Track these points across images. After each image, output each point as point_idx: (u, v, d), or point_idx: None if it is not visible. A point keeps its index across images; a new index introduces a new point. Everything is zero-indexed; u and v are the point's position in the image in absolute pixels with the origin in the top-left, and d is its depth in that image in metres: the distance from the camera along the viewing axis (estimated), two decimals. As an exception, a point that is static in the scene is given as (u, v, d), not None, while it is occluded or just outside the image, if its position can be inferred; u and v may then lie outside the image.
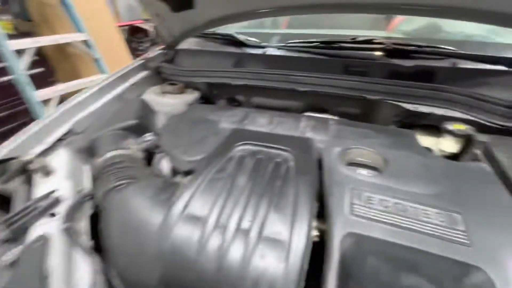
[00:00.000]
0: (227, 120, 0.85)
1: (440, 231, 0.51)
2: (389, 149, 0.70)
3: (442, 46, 1.05)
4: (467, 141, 0.78)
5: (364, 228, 0.52)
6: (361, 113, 1.01)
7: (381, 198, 0.56)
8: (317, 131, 0.79)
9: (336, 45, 1.11)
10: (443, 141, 0.80)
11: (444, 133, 0.81)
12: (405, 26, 1.46)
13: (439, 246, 0.49)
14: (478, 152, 0.74)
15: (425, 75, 0.93)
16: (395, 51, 1.06)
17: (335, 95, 0.94)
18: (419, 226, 0.52)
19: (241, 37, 1.25)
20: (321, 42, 1.16)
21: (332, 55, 1.09)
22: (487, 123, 0.77)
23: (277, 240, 0.49)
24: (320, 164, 0.68)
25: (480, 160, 0.71)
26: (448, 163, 0.68)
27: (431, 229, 0.51)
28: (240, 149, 0.68)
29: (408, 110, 0.88)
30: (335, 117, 0.95)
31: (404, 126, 0.93)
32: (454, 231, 0.51)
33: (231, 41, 1.29)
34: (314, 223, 0.59)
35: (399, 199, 0.56)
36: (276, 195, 0.55)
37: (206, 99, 1.24)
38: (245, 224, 0.52)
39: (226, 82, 1.08)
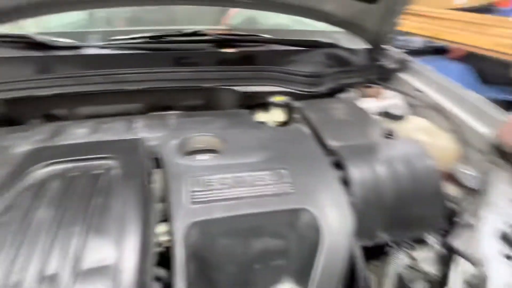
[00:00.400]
0: (27, 142, 0.63)
1: (273, 189, 0.56)
2: (226, 130, 0.73)
3: (260, 34, 1.21)
4: (289, 109, 0.92)
5: (206, 212, 0.50)
6: (205, 103, 1.01)
7: (220, 177, 0.56)
8: (153, 129, 0.72)
9: (165, 39, 1.07)
10: (272, 113, 0.91)
11: (271, 106, 0.93)
12: (234, 20, 1.60)
13: (274, 202, 0.54)
14: (298, 116, 0.89)
15: (249, 59, 1.03)
16: (223, 41, 1.12)
17: (172, 89, 0.89)
18: (256, 191, 0.55)
19: (42, 38, 0.99)
20: (150, 37, 1.09)
21: (162, 49, 1.03)
22: (299, 92, 0.94)
23: (102, 267, 0.39)
24: (158, 162, 0.62)
25: (299, 122, 0.86)
26: (275, 130, 0.77)
27: (266, 190, 0.56)
28: (43, 172, 0.52)
29: (243, 92, 0.95)
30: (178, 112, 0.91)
31: (248, 108, 1.01)
32: (283, 185, 0.57)
33: (31, 43, 1.00)
34: (164, 228, 0.53)
35: (237, 173, 0.58)
36: (96, 215, 0.44)
37: (11, 121, 0.92)
38: (51, 268, 0.38)
39: (29, 94, 0.83)
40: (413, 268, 0.68)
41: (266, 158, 0.63)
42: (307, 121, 0.82)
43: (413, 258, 0.68)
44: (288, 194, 0.55)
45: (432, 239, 0.66)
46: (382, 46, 1.24)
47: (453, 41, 2.00)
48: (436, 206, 0.62)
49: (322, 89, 0.95)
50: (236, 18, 1.57)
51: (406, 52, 2.45)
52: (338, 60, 1.13)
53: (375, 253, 0.71)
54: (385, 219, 0.59)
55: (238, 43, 1.12)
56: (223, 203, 0.51)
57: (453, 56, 2.31)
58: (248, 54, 1.04)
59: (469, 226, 0.62)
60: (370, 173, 0.59)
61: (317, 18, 1.24)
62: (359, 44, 1.26)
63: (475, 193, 0.70)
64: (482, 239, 0.55)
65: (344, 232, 0.52)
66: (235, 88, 0.94)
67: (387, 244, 0.68)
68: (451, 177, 0.73)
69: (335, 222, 0.52)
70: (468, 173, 0.72)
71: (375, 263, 0.75)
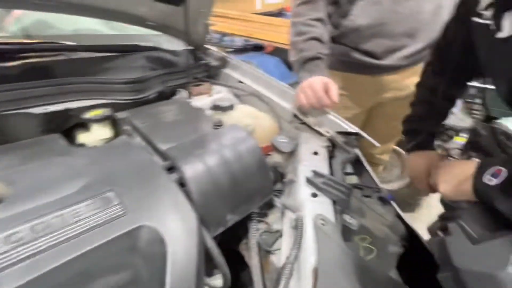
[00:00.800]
0: None
1: (97, 219, 0.47)
2: (17, 168, 0.55)
3: (57, 42, 0.99)
4: (115, 122, 0.82)
5: (-12, 291, 0.35)
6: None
7: (6, 235, 0.41)
8: None
9: None
10: (93, 131, 0.78)
11: (92, 124, 0.79)
12: (18, 24, 1.23)
13: (102, 234, 0.45)
14: (127, 127, 0.80)
15: (43, 73, 0.82)
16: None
17: None
18: (73, 230, 0.44)
19: None
20: None
21: None
22: (122, 101, 0.84)
23: None
24: None
25: (130, 133, 0.78)
26: (95, 150, 0.66)
27: (88, 223, 0.46)
28: None
29: (43, 114, 0.75)
30: None
31: (65, 131, 0.81)
32: (110, 210, 0.49)
33: None
34: None
35: (37, 219, 0.44)
36: None
37: None
38: None
39: None
40: (268, 231, 0.78)
41: (82, 187, 0.52)
42: (137, 130, 0.75)
43: (267, 223, 0.78)
44: (119, 217, 0.48)
45: (277, 201, 0.79)
46: (203, 45, 1.32)
47: (262, 39, 2.45)
48: (266, 175, 0.73)
49: (149, 94, 0.90)
50: (21, 21, 1.22)
51: (231, 51, 2.77)
52: (162, 62, 1.11)
53: (244, 233, 0.76)
54: (229, 202, 0.63)
55: (24, 54, 0.87)
56: (18, 266, 0.38)
57: (267, 51, 2.85)
58: (40, 66, 0.83)
59: (292, 182, 0.78)
60: (203, 166, 0.61)
61: (129, 22, 1.16)
62: (181, 45, 1.30)
63: (291, 155, 0.88)
64: (298, 188, 0.70)
65: (189, 231, 0.51)
66: (31, 110, 0.73)
67: (246, 220, 0.74)
68: (274, 148, 0.89)
69: (178, 226, 0.51)
70: (283, 141, 0.89)
71: (245, 242, 0.81)
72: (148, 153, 0.64)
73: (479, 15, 0.50)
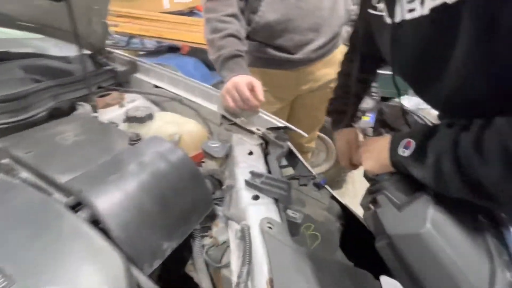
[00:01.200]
0: None
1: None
2: None
3: None
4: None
5: None
6: None
7: None
8: None
9: None
10: None
11: None
12: None
13: None
14: (6, 161, 0.60)
15: None
16: None
17: None
18: None
19: None
20: None
21: None
22: None
23: None
24: None
25: (10, 169, 0.59)
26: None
27: None
28: None
29: None
30: None
31: None
32: (-16, 287, 0.34)
33: None
34: None
35: None
36: None
37: None
38: None
39: None
40: (215, 245, 0.71)
41: None
42: (20, 163, 0.57)
43: (212, 237, 0.72)
44: (1, 293, 0.34)
45: (219, 210, 0.72)
46: (104, 49, 1.13)
47: (176, 39, 2.31)
48: (202, 187, 0.66)
49: (33, 113, 0.71)
50: None
51: (143, 54, 2.51)
52: (50, 72, 0.90)
53: (188, 253, 0.67)
54: (162, 229, 0.54)
55: None
56: None
57: (184, 52, 2.70)
58: None
59: (231, 187, 0.73)
60: (120, 194, 0.50)
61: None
62: (75, 50, 1.08)
63: (225, 159, 0.83)
64: (238, 193, 0.66)
65: (114, 281, 0.41)
66: None
67: (189, 239, 0.65)
68: (206, 154, 0.82)
69: (96, 278, 0.39)
70: (215, 146, 0.83)
71: (191, 262, 0.72)
72: (41, 191, 0.49)
73: (374, 8, 0.55)
